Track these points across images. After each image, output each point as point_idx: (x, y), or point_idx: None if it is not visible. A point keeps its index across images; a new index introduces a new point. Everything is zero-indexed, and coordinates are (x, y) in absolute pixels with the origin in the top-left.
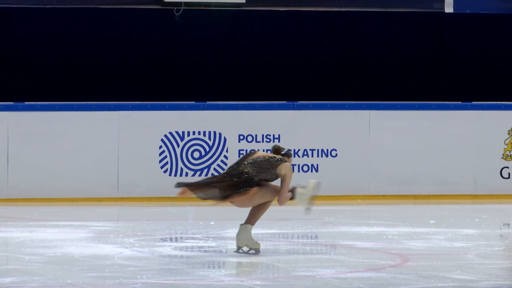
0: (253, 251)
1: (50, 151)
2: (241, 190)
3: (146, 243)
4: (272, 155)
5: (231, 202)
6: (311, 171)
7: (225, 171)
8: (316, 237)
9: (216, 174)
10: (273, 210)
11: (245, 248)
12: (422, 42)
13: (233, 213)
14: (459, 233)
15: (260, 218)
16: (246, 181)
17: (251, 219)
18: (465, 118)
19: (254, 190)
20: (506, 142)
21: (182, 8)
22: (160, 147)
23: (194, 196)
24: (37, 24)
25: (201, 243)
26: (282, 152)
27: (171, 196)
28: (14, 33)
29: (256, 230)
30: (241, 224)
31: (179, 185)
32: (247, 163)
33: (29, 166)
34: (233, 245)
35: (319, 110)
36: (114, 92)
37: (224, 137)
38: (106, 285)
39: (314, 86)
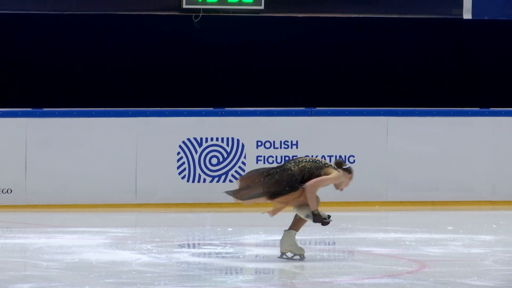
0: (297, 257)
1: (68, 157)
2: (287, 189)
3: (164, 249)
4: (318, 159)
5: (278, 202)
6: None
7: (265, 169)
8: (334, 243)
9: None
10: (290, 216)
11: (289, 254)
12: (440, 49)
13: (250, 220)
14: (477, 239)
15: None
16: (290, 180)
17: (295, 226)
18: (483, 124)
19: (299, 193)
20: None
21: (201, 14)
22: (178, 153)
23: (241, 202)
24: (56, 31)
25: (219, 249)
26: (344, 167)
27: (189, 202)
28: (33, 39)
29: (273, 236)
30: (285, 230)
31: (228, 193)
32: (291, 161)
33: (47, 172)
34: (250, 251)
35: (337, 116)
36: (132, 99)
37: (242, 144)
38: None
39: (332, 93)
